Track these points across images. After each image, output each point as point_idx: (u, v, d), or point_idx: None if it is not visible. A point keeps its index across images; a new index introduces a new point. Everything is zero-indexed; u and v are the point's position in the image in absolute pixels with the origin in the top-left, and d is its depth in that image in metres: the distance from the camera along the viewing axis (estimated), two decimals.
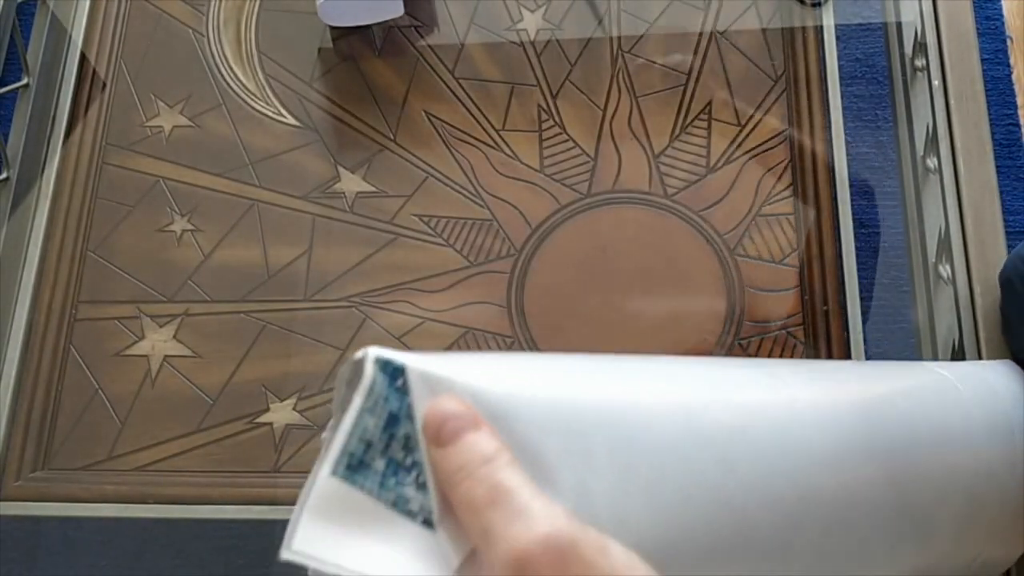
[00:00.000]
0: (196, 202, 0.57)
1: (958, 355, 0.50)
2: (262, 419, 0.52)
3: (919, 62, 0.56)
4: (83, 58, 0.60)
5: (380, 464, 0.26)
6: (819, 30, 0.59)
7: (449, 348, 0.53)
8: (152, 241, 0.56)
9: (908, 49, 0.57)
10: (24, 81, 0.59)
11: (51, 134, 0.59)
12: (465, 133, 0.58)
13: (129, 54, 0.61)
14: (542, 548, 0.24)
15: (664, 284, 0.54)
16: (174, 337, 0.54)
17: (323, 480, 0.26)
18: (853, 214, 0.55)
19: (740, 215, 0.55)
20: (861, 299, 0.53)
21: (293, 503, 0.26)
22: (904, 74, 0.57)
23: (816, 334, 0.53)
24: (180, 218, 0.56)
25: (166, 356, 0.54)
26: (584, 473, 0.27)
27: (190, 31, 0.61)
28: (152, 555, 0.50)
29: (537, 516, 0.24)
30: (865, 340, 0.52)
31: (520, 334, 0.53)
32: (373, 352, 0.26)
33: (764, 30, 0.59)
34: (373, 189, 0.57)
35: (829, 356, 0.52)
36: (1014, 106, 0.57)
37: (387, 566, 0.25)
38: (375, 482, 0.26)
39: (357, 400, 0.26)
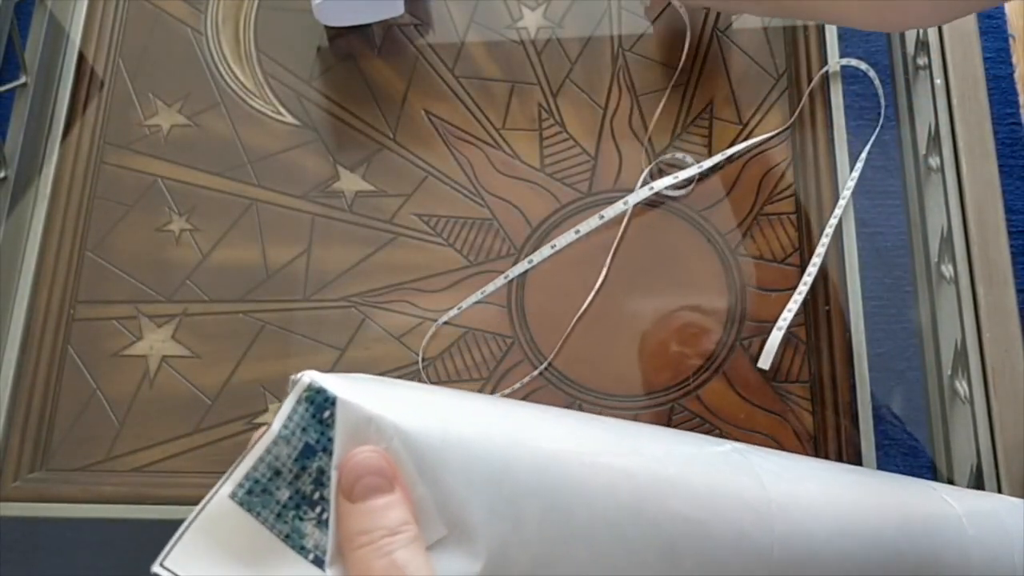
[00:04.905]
0: (194, 201, 0.57)
1: (960, 356, 0.50)
2: (261, 419, 0.52)
3: (921, 60, 0.56)
4: (81, 57, 0.60)
5: (284, 494, 0.25)
6: (820, 28, 0.59)
7: (449, 348, 0.53)
8: (150, 241, 0.56)
9: (910, 48, 0.57)
10: (22, 80, 0.59)
11: (49, 133, 0.58)
12: (465, 132, 0.58)
13: (127, 53, 0.60)
14: None
15: (665, 284, 0.54)
16: (172, 337, 0.54)
17: (218, 502, 0.25)
18: (855, 213, 0.55)
19: (742, 214, 0.55)
20: (863, 299, 0.53)
21: None
22: (906, 72, 0.57)
23: (818, 334, 0.52)
24: (178, 217, 0.56)
25: (164, 356, 0.54)
26: (509, 540, 0.26)
27: (189, 30, 0.61)
28: (150, 556, 0.49)
29: None
30: (867, 340, 0.52)
31: (520, 334, 0.53)
32: (308, 378, 0.25)
33: (766, 28, 0.59)
34: (372, 188, 0.57)
35: (831, 357, 0.52)
36: (1016, 105, 0.56)
37: None
38: (273, 512, 0.25)
39: (275, 426, 0.25)
